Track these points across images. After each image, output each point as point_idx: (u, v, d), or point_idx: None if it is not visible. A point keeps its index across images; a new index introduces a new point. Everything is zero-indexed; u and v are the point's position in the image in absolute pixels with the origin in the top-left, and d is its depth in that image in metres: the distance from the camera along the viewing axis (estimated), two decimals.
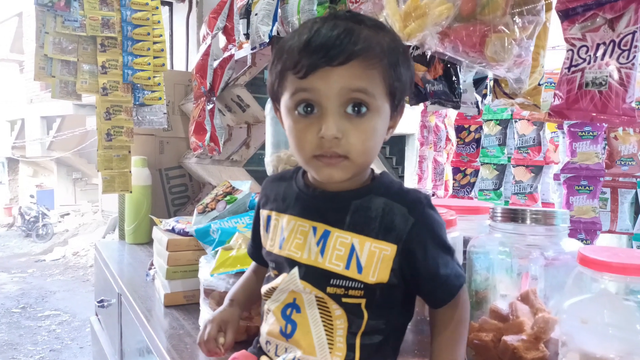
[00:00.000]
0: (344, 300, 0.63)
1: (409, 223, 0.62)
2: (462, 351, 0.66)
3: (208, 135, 1.80)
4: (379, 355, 0.64)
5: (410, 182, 5.03)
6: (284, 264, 0.67)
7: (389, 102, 0.63)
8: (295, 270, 0.65)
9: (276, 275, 0.68)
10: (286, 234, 0.67)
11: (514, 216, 0.79)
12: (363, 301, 0.63)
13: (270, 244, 0.70)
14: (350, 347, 0.62)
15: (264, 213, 0.73)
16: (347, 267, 0.62)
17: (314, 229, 0.65)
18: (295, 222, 0.67)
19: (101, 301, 1.62)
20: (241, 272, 0.93)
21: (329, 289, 0.63)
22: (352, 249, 0.62)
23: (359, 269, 0.62)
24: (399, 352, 0.68)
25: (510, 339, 0.74)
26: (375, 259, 0.62)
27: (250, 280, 0.83)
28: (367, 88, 0.60)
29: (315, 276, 0.63)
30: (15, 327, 5.47)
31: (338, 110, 0.60)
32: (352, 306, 0.63)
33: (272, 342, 0.67)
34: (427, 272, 0.64)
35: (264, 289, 0.70)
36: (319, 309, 0.63)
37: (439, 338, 0.66)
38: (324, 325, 0.63)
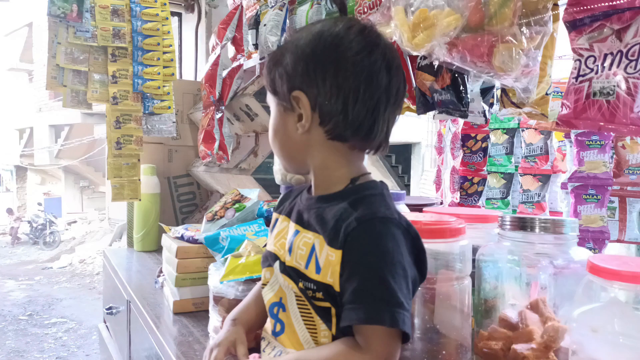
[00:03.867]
0: (312, 301, 0.64)
1: (350, 227, 0.61)
2: None
3: (217, 143, 1.82)
4: None
5: (416, 190, 5.02)
6: (269, 258, 0.72)
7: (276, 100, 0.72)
8: (277, 264, 0.69)
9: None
10: (276, 231, 0.74)
11: (522, 225, 0.80)
12: (327, 304, 0.62)
13: (269, 242, 0.76)
14: None
15: (275, 216, 0.79)
16: (307, 266, 0.64)
17: (291, 227, 0.71)
18: (287, 223, 0.73)
19: (110, 308, 1.63)
20: (250, 280, 0.94)
21: (300, 285, 0.64)
22: (313, 248, 0.64)
23: (317, 269, 0.63)
24: None
25: (520, 347, 0.74)
26: (329, 262, 0.62)
27: (252, 301, 0.82)
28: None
29: (290, 273, 0.66)
30: (22, 335, 5.49)
31: None
32: (321, 309, 0.63)
33: (266, 338, 0.71)
34: (348, 284, 0.60)
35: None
36: (298, 306, 0.65)
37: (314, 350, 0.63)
38: (306, 324, 0.65)
